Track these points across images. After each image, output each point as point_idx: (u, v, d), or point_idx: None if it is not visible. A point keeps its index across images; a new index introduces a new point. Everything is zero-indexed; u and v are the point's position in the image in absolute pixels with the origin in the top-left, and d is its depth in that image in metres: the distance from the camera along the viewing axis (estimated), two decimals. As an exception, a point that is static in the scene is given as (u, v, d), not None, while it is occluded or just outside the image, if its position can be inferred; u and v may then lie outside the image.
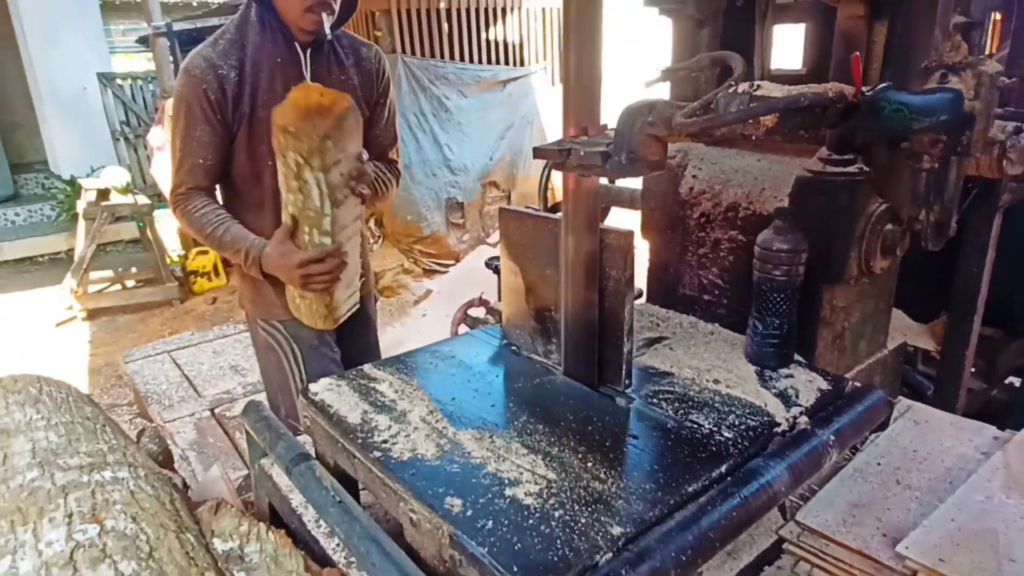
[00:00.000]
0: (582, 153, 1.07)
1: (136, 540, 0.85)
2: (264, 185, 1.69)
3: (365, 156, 1.60)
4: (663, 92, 1.47)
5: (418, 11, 5.15)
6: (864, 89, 0.96)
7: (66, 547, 0.82)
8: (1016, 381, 2.03)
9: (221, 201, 1.72)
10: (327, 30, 1.56)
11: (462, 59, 5.49)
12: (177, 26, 5.36)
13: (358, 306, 1.61)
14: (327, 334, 1.86)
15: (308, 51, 1.64)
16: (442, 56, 5.37)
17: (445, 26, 5.35)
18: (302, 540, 1.09)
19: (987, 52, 1.27)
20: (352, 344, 1.95)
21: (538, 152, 1.16)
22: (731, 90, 0.92)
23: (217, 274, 5.69)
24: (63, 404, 1.23)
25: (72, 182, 6.97)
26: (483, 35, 5.59)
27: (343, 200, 1.46)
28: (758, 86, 0.91)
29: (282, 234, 1.53)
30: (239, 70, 1.59)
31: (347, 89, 1.70)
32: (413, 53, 5.19)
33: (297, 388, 1.82)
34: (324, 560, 1.02)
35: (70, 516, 0.88)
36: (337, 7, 1.58)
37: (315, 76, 1.65)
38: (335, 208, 1.44)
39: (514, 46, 5.84)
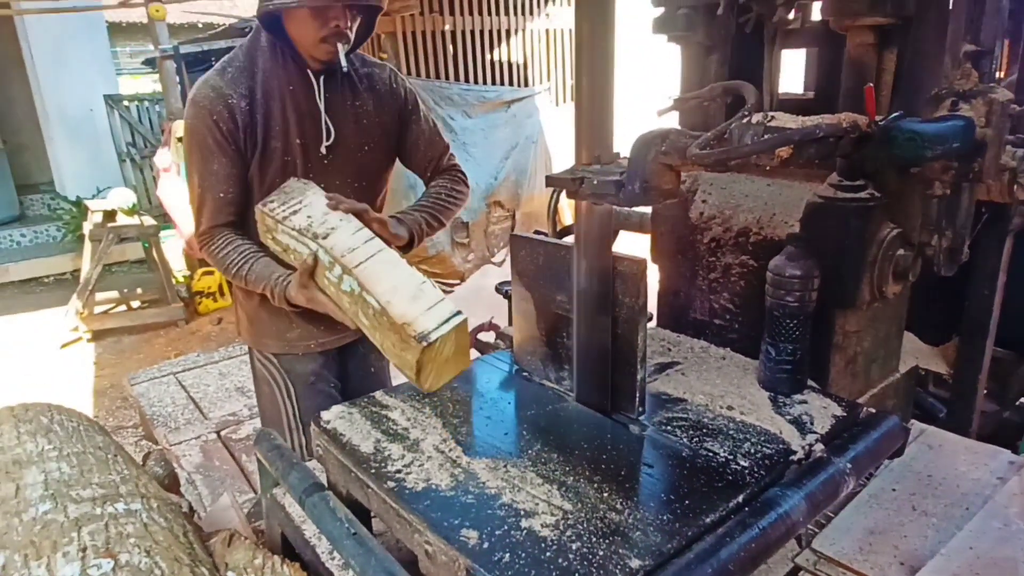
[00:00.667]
0: (595, 182, 1.08)
1: (151, 575, 0.84)
2: None
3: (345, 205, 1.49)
4: (672, 120, 1.47)
5: (423, 33, 5.21)
6: (877, 119, 0.97)
7: (81, 583, 0.82)
8: (1028, 403, 2.01)
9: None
10: (343, 60, 1.52)
11: (467, 80, 5.54)
12: (184, 48, 5.43)
13: (462, 318, 1.24)
14: (326, 369, 1.79)
15: (321, 78, 1.60)
16: (447, 77, 5.42)
17: (450, 48, 5.41)
18: (315, 572, 1.08)
19: (996, 79, 1.28)
20: (361, 378, 1.89)
21: (551, 180, 1.17)
22: (745, 120, 0.93)
23: (222, 294, 5.69)
24: (74, 433, 1.23)
25: (78, 203, 7.01)
26: (487, 56, 5.66)
27: (329, 231, 1.40)
28: (772, 116, 0.91)
29: (302, 274, 1.43)
30: (249, 99, 1.54)
31: (361, 116, 1.68)
32: (418, 75, 5.24)
33: (289, 424, 1.78)
34: (338, 593, 1.01)
35: (84, 550, 0.88)
36: (352, 36, 1.55)
37: (329, 104, 1.61)
38: (323, 239, 1.39)
39: (518, 67, 5.90)
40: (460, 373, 1.25)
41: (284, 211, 1.45)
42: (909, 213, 1.30)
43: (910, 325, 1.58)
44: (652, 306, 1.69)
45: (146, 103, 7.70)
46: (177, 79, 5.54)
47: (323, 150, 1.63)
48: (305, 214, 1.43)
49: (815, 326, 1.27)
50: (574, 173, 1.12)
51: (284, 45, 1.57)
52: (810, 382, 1.32)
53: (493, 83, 5.74)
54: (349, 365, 1.88)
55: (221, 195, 1.58)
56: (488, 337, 2.38)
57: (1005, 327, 1.66)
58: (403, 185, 4.58)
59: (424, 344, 1.15)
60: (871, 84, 0.96)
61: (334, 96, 1.63)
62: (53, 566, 0.85)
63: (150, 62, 6.83)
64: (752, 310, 1.43)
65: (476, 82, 5.60)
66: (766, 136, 0.88)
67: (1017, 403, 1.97)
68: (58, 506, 0.97)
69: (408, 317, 1.19)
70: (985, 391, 1.76)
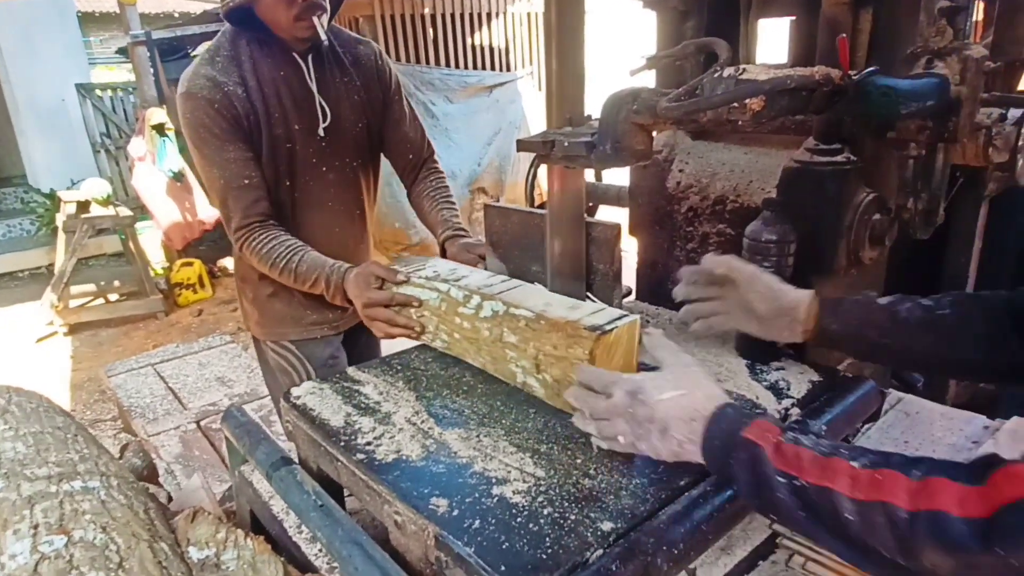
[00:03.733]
0: (566, 144, 1.05)
1: (105, 550, 0.81)
2: (275, 205, 1.60)
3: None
4: (649, 82, 1.45)
5: (402, 16, 5.14)
6: (851, 73, 0.95)
7: (30, 559, 0.78)
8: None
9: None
10: (322, 33, 1.47)
11: (448, 65, 5.49)
12: (156, 34, 5.32)
13: (635, 318, 1.08)
14: (337, 349, 1.82)
15: (309, 58, 1.56)
16: (427, 62, 5.37)
17: (430, 32, 5.35)
18: (284, 547, 1.05)
19: (972, 40, 1.27)
20: (358, 358, 1.90)
21: (522, 144, 1.14)
22: (716, 75, 0.90)
23: (202, 286, 5.62)
24: (32, 414, 1.19)
25: (52, 196, 6.88)
26: (468, 40, 5.60)
27: (461, 276, 1.33)
28: (744, 70, 0.89)
29: (373, 265, 1.39)
30: (244, 88, 1.49)
31: (352, 92, 1.64)
32: (398, 59, 5.18)
33: None
34: (306, 566, 0.99)
35: (36, 527, 0.84)
36: (327, 4, 1.50)
37: (321, 85, 1.57)
38: (454, 281, 1.30)
39: (500, 51, 5.85)
40: None
41: (408, 270, 1.38)
42: (885, 178, 1.29)
43: (888, 294, 1.57)
44: (631, 280, 1.68)
45: (119, 92, 7.55)
46: (151, 67, 5.44)
47: (321, 132, 1.59)
48: (431, 269, 1.37)
49: (792, 293, 1.26)
50: (545, 136, 1.10)
51: (263, 33, 1.51)
52: (787, 350, 1.31)
53: (475, 67, 5.69)
54: (352, 351, 1.90)
55: (246, 181, 1.49)
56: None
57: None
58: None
59: (598, 333, 1.01)
60: (844, 35, 0.94)
61: (323, 76, 1.59)
62: (2, 544, 0.81)
63: (123, 51, 6.68)
64: (730, 279, 1.42)
65: (457, 66, 5.56)
66: (737, 87, 0.86)
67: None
68: (10, 485, 0.94)
69: (572, 317, 1.06)
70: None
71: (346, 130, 1.63)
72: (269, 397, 2.27)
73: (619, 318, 1.07)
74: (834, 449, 0.73)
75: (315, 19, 1.44)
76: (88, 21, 9.53)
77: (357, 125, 1.66)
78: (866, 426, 1.28)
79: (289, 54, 1.53)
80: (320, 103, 1.57)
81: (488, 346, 1.19)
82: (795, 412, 1.09)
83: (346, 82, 1.63)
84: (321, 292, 1.48)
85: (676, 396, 0.86)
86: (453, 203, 1.75)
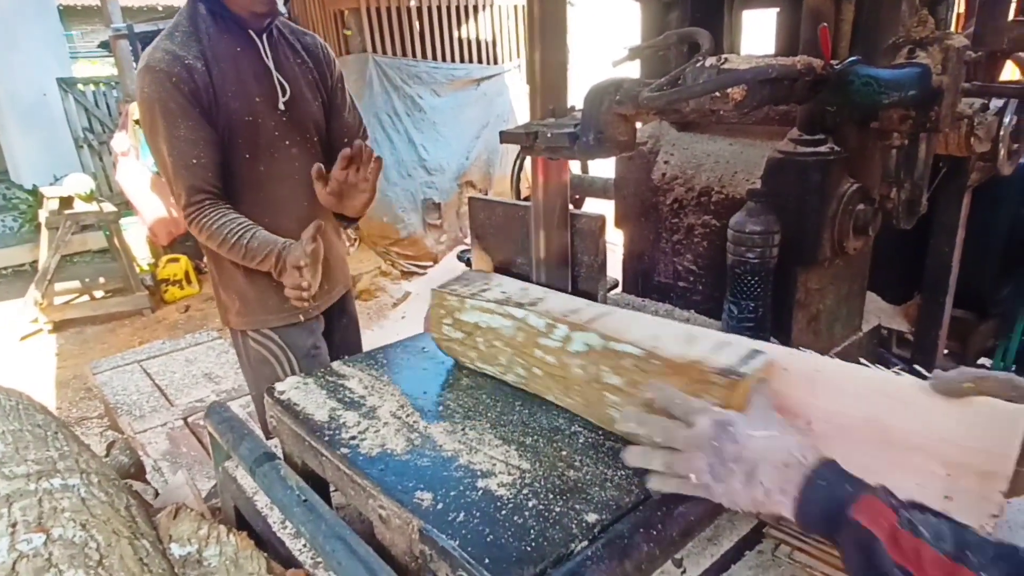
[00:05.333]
0: (549, 135, 1.05)
1: (85, 548, 0.80)
2: (239, 179, 1.63)
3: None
4: (633, 74, 1.45)
5: (388, 9, 5.10)
6: (833, 63, 0.95)
7: (8, 558, 0.77)
8: (987, 362, 2.04)
9: None
10: (281, 7, 1.54)
11: (434, 58, 5.45)
12: (138, 27, 5.25)
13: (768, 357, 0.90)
14: (319, 339, 1.83)
15: (264, 37, 1.61)
16: (414, 55, 5.33)
17: (416, 24, 5.30)
18: (268, 542, 1.05)
19: (954, 30, 1.27)
20: (340, 346, 1.91)
21: (505, 136, 1.14)
22: (698, 64, 0.90)
23: (189, 282, 5.56)
24: (12, 412, 1.17)
25: (34, 192, 6.78)
26: (455, 33, 5.56)
27: (537, 300, 1.15)
28: (725, 59, 0.89)
29: (306, 244, 1.45)
30: (203, 60, 1.52)
31: (306, 72, 1.70)
32: (384, 52, 5.13)
33: None
34: (290, 561, 0.98)
35: (14, 526, 0.83)
36: None
37: (276, 64, 1.63)
38: (531, 306, 1.13)
39: (487, 44, 5.81)
40: None
41: (470, 291, 1.21)
42: (869, 168, 1.29)
43: (873, 285, 1.58)
44: (618, 272, 1.67)
45: (102, 86, 7.44)
46: (133, 61, 5.36)
47: (281, 106, 1.63)
48: (498, 290, 1.20)
49: (777, 284, 1.26)
50: (528, 127, 1.09)
51: (220, 9, 1.56)
52: (773, 340, 1.31)
53: (462, 61, 5.65)
54: (333, 339, 1.91)
55: (194, 161, 1.50)
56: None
57: (964, 287, 1.68)
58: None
59: (733, 378, 0.83)
60: (825, 24, 0.93)
61: (278, 55, 1.65)
62: (-21, 543, 0.80)
63: (106, 44, 6.59)
64: (715, 271, 1.42)
65: (444, 60, 5.51)
66: (718, 76, 0.85)
67: (977, 362, 2.00)
68: (-12, 483, 0.92)
69: (694, 356, 0.87)
70: (946, 351, 1.78)
71: (305, 106, 1.69)
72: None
73: (749, 355, 0.86)
74: (959, 550, 0.61)
75: None
76: (69, 14, 9.38)
77: (315, 102, 1.72)
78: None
79: (245, 32, 1.58)
80: (278, 79, 1.61)
81: (581, 387, 1.00)
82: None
83: (299, 63, 1.69)
84: (269, 269, 1.53)
85: (768, 436, 0.75)
86: None
